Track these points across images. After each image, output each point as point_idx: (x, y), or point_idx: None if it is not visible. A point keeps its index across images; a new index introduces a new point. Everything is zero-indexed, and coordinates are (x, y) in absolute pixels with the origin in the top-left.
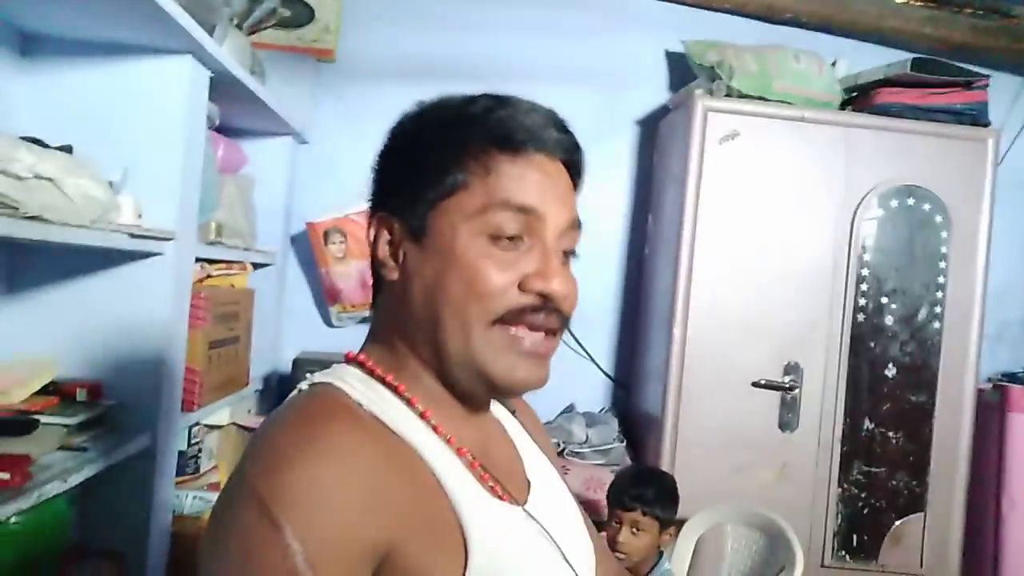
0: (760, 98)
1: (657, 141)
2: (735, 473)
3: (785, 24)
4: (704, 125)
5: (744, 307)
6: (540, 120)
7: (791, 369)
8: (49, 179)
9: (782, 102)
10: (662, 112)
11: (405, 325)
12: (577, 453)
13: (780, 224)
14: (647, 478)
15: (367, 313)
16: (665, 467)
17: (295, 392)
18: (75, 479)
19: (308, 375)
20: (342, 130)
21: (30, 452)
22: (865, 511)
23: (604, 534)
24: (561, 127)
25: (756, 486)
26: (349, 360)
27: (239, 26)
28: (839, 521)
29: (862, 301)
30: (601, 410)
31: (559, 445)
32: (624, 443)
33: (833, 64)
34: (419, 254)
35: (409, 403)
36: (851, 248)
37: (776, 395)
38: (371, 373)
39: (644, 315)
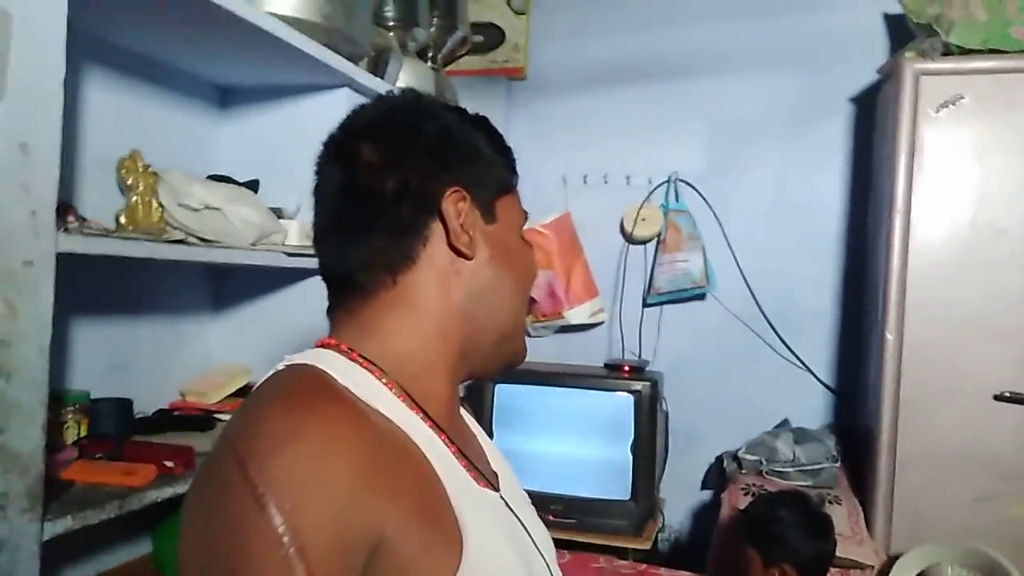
0: (992, 51)
1: (876, 119)
2: (977, 503)
3: None
4: (915, 92)
5: (977, 306)
6: None
7: None
8: (217, 208)
9: (1023, 52)
10: (877, 86)
11: (459, 301)
12: (779, 473)
13: (1022, 201)
14: (798, 518)
15: (561, 322)
16: (882, 493)
17: (273, 372)
18: None
19: (286, 357)
20: (534, 144)
21: (195, 444)
22: None
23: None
24: None
25: (1004, 521)
26: (324, 346)
27: (432, 58)
28: None
29: None
30: (820, 426)
31: (760, 463)
32: (838, 463)
33: None
34: (490, 238)
35: (398, 390)
36: None
37: None
38: (352, 359)
39: (863, 318)
